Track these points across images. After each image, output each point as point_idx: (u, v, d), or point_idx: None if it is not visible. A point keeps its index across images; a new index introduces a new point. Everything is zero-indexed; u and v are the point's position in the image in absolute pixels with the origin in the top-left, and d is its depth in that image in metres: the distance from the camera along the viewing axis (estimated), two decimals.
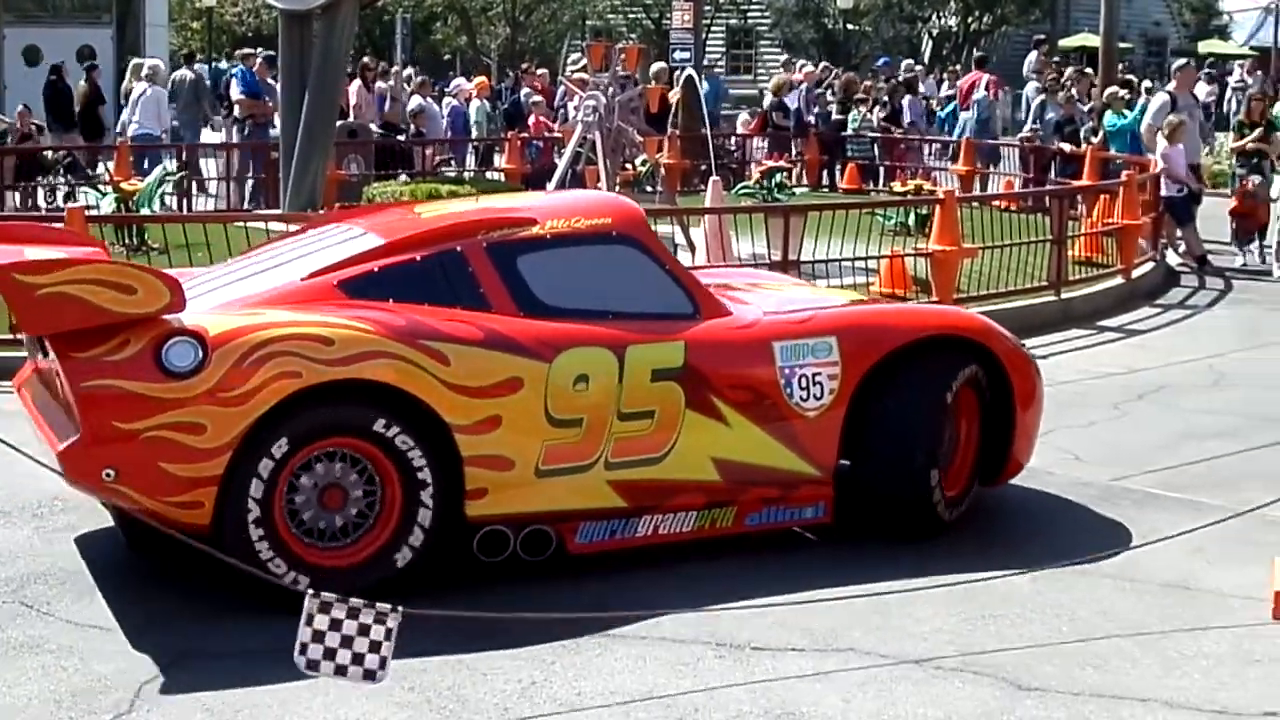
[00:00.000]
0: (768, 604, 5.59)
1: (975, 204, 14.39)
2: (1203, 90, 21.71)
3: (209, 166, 19.11)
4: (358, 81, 20.98)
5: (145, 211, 13.86)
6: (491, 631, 5.28)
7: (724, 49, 45.62)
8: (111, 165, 17.47)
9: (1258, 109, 16.79)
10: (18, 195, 17.57)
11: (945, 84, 28.03)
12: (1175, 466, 7.85)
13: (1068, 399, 9.07)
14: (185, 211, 16.34)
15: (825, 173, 21.54)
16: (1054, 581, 5.93)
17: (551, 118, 21.51)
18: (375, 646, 4.51)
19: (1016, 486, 7.10)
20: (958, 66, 30.22)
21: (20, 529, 6.49)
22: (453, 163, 20.55)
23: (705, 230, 12.28)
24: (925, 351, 6.48)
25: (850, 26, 42.43)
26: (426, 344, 5.57)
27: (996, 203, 15.56)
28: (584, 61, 17.17)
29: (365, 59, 24.07)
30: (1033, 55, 24.27)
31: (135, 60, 20.91)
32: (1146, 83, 23.46)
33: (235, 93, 19.82)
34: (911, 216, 14.66)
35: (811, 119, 22.31)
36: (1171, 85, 17.07)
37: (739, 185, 17.24)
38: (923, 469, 6.34)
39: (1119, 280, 13.46)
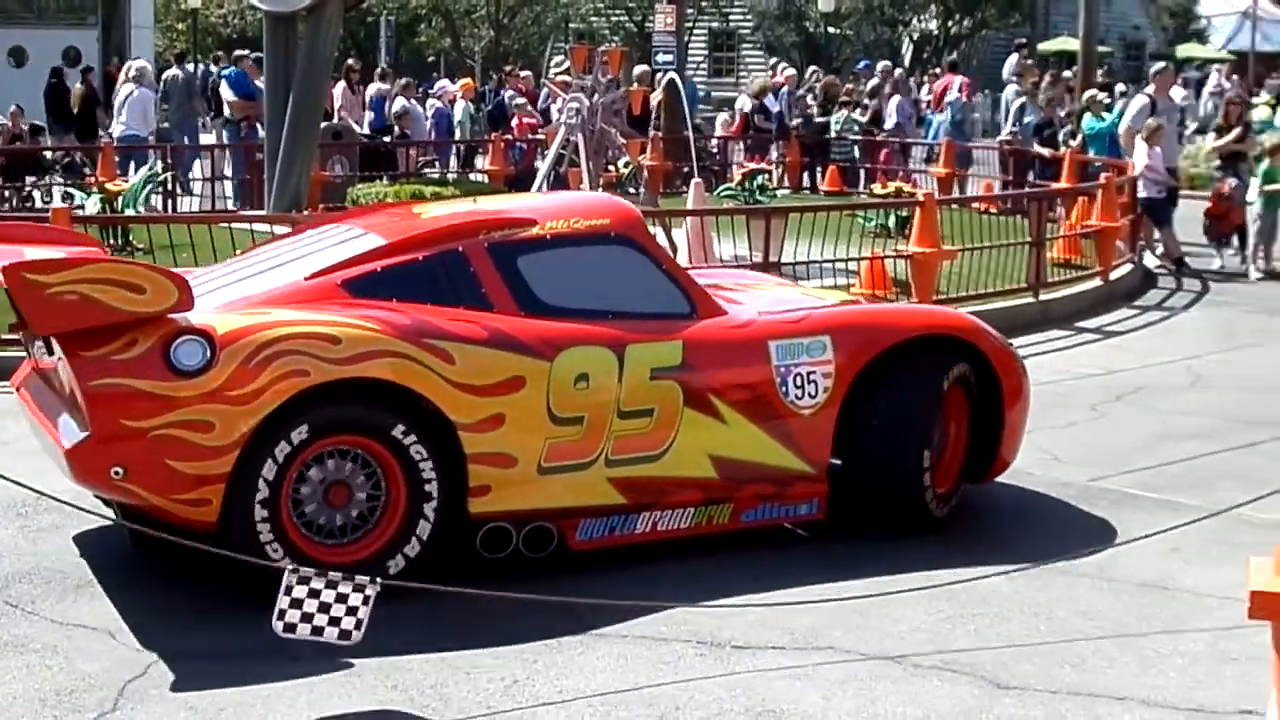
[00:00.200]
0: (745, 603, 5.62)
1: (955, 206, 14.46)
2: (1178, 94, 21.79)
3: (200, 167, 19.08)
4: (342, 83, 20.99)
5: (130, 212, 13.86)
6: (475, 629, 5.32)
7: (706, 52, 45.64)
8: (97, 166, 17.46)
9: (1234, 112, 16.85)
10: (8, 195, 17.54)
11: (924, 87, 28.12)
12: (1153, 467, 7.90)
13: (1047, 400, 9.10)
14: (169, 212, 16.33)
15: (806, 175, 21.62)
16: (1032, 581, 5.97)
17: (538, 124, 21.53)
18: (352, 610, 4.57)
19: (997, 486, 7.15)
20: (938, 70, 30.27)
21: (4, 528, 6.49)
22: (436, 164, 20.57)
23: (687, 232, 12.32)
24: (916, 350, 6.54)
25: (831, 30, 42.48)
26: (432, 343, 5.61)
27: (976, 205, 15.63)
28: (567, 64, 17.16)
29: (350, 61, 24.06)
30: (1013, 58, 24.38)
31: (129, 61, 20.90)
32: (1120, 86, 23.57)
33: (227, 94, 19.76)
34: (892, 219, 14.72)
35: (793, 122, 22.36)
36: (1150, 89, 17.16)
37: (721, 187, 17.30)
38: (915, 466, 6.40)
39: (1097, 282, 13.53)
